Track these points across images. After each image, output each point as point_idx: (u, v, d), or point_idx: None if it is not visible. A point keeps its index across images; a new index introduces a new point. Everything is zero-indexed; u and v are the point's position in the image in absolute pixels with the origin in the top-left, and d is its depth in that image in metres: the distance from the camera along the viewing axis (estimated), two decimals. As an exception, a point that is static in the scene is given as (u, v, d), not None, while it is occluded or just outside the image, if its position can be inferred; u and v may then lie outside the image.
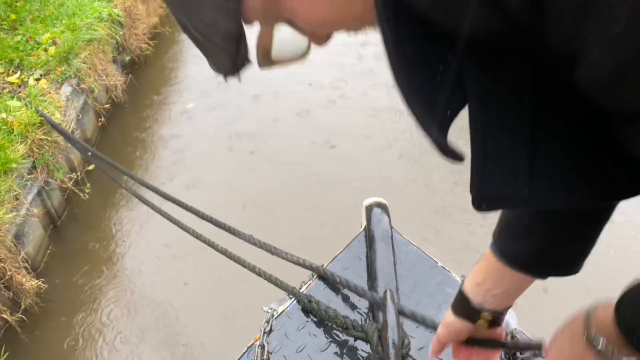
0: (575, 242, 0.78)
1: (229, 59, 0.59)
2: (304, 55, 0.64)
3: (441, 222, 3.40)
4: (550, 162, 0.55)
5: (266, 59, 0.63)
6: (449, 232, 3.32)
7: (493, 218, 0.83)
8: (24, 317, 2.94)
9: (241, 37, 0.57)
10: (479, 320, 0.91)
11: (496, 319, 0.91)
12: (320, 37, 0.61)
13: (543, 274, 0.83)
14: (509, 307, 0.91)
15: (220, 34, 0.56)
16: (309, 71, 4.61)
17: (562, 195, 0.57)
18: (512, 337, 1.34)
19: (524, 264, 0.82)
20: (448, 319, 0.95)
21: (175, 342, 2.93)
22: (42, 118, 3.45)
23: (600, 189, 0.57)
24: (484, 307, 0.88)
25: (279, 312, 1.41)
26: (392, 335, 1.26)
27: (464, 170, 0.63)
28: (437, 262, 1.50)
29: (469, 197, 0.63)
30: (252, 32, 0.60)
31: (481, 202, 0.62)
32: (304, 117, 4.36)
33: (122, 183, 2.92)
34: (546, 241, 0.78)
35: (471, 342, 0.96)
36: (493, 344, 0.97)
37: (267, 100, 4.57)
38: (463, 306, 0.92)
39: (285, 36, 0.59)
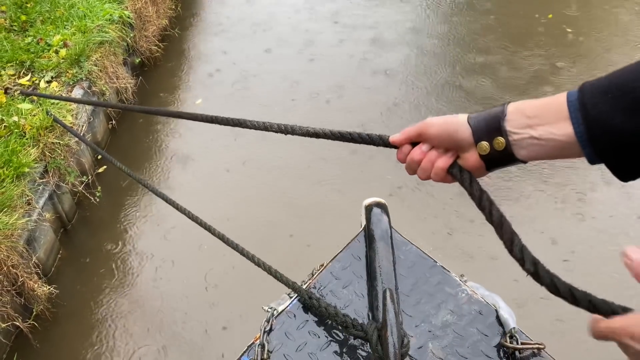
0: None
1: None
2: None
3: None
4: None
5: None
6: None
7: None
8: (35, 324, 3.08)
9: None
10: (485, 142, 0.83)
11: (500, 158, 0.83)
12: None
13: (607, 159, 0.73)
14: (523, 161, 0.82)
15: None
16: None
17: None
18: (511, 336, 1.43)
19: (605, 138, 0.71)
20: (456, 119, 0.87)
21: (193, 349, 3.07)
22: (55, 121, 3.63)
23: None
24: (507, 135, 0.80)
25: (279, 311, 1.51)
26: (391, 334, 1.31)
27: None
28: (436, 262, 1.59)
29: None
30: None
31: None
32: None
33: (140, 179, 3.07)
34: None
35: (454, 168, 0.88)
36: (473, 186, 0.85)
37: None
38: (488, 119, 0.83)
39: None
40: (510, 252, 0.76)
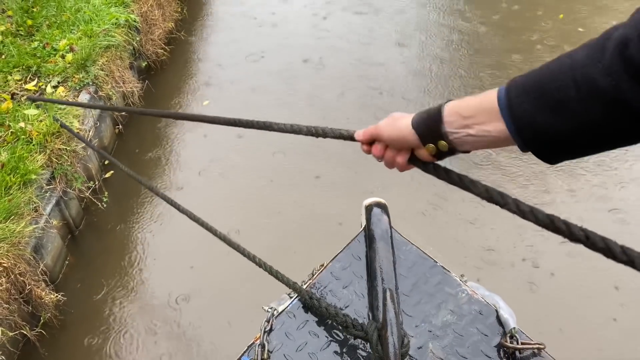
0: (607, 141, 0.79)
1: None
2: None
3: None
4: None
5: None
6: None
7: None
8: (42, 332, 3.17)
9: None
10: (431, 144, 0.95)
11: (446, 154, 0.96)
12: None
13: (534, 149, 0.84)
14: (467, 152, 0.95)
15: None
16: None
17: None
18: (512, 336, 1.49)
19: (528, 134, 0.82)
20: (402, 124, 1.00)
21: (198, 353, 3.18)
22: (61, 127, 3.75)
23: None
24: (448, 136, 0.92)
25: (279, 311, 1.59)
26: (391, 334, 1.38)
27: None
28: (436, 262, 1.65)
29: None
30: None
31: None
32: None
33: (146, 183, 3.16)
34: (577, 127, 0.77)
35: (415, 161, 1.02)
36: (438, 169, 0.99)
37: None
38: (429, 123, 0.95)
39: None
40: (503, 206, 0.86)
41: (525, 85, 0.83)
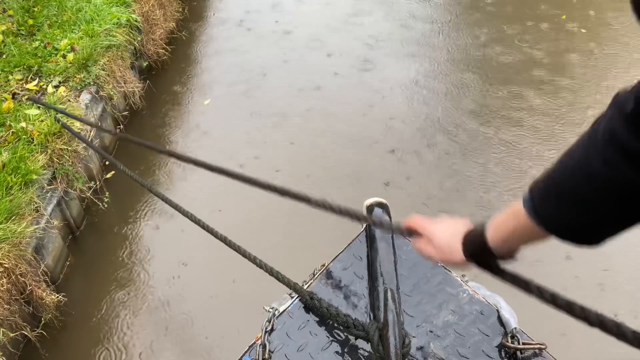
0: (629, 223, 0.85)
1: None
2: None
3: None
4: None
5: None
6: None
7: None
8: (43, 332, 3.19)
9: None
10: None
11: None
12: None
13: (573, 241, 0.91)
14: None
15: None
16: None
17: None
18: (513, 336, 1.50)
19: (562, 231, 0.91)
20: (457, 257, 1.12)
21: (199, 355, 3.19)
22: (63, 127, 3.77)
23: None
24: (498, 258, 1.07)
25: (280, 311, 1.60)
26: (392, 334, 1.41)
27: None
28: (437, 262, 1.67)
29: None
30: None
31: None
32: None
33: (147, 184, 3.16)
34: (602, 217, 0.85)
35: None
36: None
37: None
38: (483, 256, 1.08)
39: None
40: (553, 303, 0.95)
41: (544, 192, 0.92)
